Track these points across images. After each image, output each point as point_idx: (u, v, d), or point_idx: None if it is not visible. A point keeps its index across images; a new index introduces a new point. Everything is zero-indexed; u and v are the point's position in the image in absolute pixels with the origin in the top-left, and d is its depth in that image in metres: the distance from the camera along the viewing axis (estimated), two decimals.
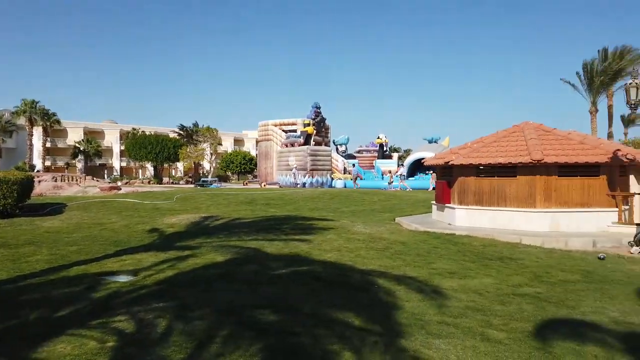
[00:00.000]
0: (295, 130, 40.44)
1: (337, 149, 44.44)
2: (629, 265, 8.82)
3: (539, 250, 10.04)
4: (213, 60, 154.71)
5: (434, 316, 5.74)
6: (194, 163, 58.22)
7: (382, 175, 37.69)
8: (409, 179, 34.52)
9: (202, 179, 45.84)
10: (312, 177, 35.52)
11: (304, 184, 34.91)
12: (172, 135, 61.18)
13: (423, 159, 25.35)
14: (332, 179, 37.14)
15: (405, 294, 6.67)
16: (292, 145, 38.23)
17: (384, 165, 40.33)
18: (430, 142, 39.47)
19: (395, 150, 67.83)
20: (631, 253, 9.93)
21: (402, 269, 8.19)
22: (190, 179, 56.31)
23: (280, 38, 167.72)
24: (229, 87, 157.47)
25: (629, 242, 10.40)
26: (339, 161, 39.82)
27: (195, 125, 60.05)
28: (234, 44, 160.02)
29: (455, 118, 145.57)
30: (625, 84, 10.74)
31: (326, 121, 42.12)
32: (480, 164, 12.99)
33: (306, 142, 37.62)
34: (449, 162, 13.53)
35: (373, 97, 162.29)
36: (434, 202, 15.31)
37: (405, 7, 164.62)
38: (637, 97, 10.30)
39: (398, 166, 34.74)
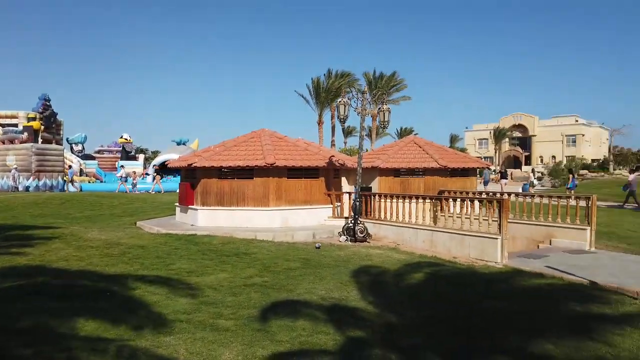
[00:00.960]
0: (16, 125, 34.33)
1: (71, 148, 39.51)
2: (337, 251, 10.70)
3: (271, 244, 11.21)
4: None
5: (168, 315, 5.86)
6: None
7: (127, 177, 35.35)
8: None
9: None
10: (39, 179, 30.64)
11: (27, 188, 29.82)
12: None
13: (169, 160, 24.93)
14: (65, 181, 32.86)
15: (139, 297, 6.58)
16: (12, 142, 32.18)
17: (129, 166, 37.85)
18: (179, 144, 38.93)
19: (142, 151, 64.42)
20: (340, 241, 12.07)
21: (139, 273, 8.00)
22: None
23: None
24: None
25: (338, 232, 12.60)
26: (74, 162, 35.50)
27: None
28: None
29: (205, 121, 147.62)
30: (337, 101, 13.01)
31: (58, 116, 37.02)
32: (222, 167, 13.64)
33: (33, 140, 32.27)
34: (192, 164, 13.77)
35: (117, 95, 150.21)
36: (177, 204, 15.32)
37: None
38: (344, 112, 12.61)
39: (122, 167, 32.94)
